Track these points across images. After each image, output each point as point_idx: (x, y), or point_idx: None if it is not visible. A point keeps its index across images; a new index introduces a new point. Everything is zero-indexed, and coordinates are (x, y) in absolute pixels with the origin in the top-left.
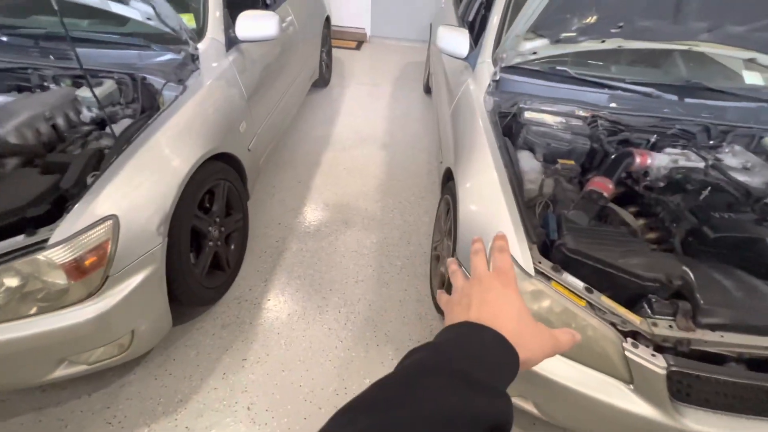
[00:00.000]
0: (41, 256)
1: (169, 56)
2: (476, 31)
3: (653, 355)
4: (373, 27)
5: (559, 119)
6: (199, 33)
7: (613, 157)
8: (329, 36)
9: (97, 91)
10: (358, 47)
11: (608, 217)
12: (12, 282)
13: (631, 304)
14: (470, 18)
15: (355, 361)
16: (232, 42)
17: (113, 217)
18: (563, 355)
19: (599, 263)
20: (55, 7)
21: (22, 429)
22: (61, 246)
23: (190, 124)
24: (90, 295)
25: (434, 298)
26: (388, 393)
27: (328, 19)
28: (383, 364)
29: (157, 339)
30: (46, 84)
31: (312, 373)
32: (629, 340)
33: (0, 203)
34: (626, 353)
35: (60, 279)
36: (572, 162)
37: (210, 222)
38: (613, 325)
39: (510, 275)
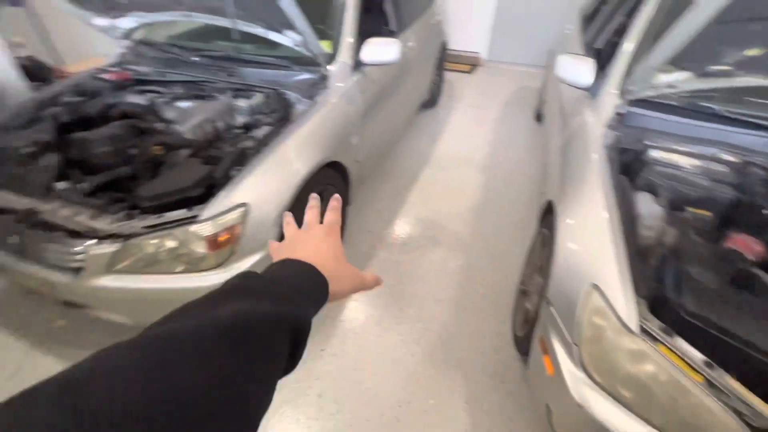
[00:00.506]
0: (192, 228)
1: (306, 76)
2: (602, 60)
3: None
4: (490, 51)
5: (695, 162)
6: (333, 57)
7: (766, 213)
8: (444, 60)
9: (248, 102)
10: (471, 71)
11: (750, 284)
12: (171, 244)
13: (765, 397)
14: (598, 45)
15: (423, 379)
16: (357, 65)
17: (246, 205)
18: None
19: (728, 336)
20: (235, 37)
21: None
22: (206, 222)
23: (313, 135)
24: (219, 265)
25: (515, 334)
26: (188, 307)
27: (444, 44)
28: (450, 388)
29: None
30: (215, 95)
31: (380, 378)
32: None
33: (173, 183)
34: None
35: (201, 248)
36: (707, 213)
37: None
38: (739, 414)
39: (335, 228)
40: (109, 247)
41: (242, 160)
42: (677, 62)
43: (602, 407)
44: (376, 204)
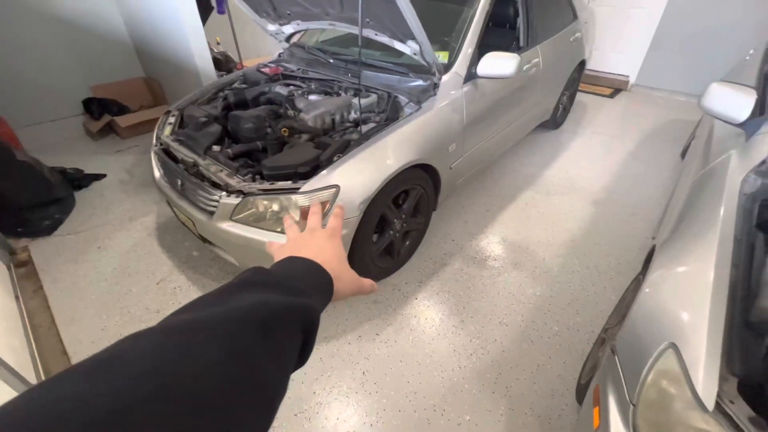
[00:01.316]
0: (293, 197)
1: (418, 83)
2: None
3: None
4: (640, 74)
5: None
6: (448, 67)
7: None
8: (578, 80)
9: (364, 101)
10: (612, 95)
11: None
12: (276, 207)
13: None
14: None
15: (464, 393)
16: (471, 76)
17: (337, 187)
18: None
19: None
20: (359, 44)
21: None
22: (303, 195)
23: (410, 136)
24: None
25: (578, 383)
26: (203, 298)
27: (582, 63)
28: (490, 412)
29: None
30: (339, 92)
31: (423, 378)
32: None
33: (288, 159)
34: None
35: (296, 215)
36: None
37: (397, 215)
38: None
39: (337, 232)
40: (234, 200)
41: (345, 149)
42: None
43: None
44: (464, 215)
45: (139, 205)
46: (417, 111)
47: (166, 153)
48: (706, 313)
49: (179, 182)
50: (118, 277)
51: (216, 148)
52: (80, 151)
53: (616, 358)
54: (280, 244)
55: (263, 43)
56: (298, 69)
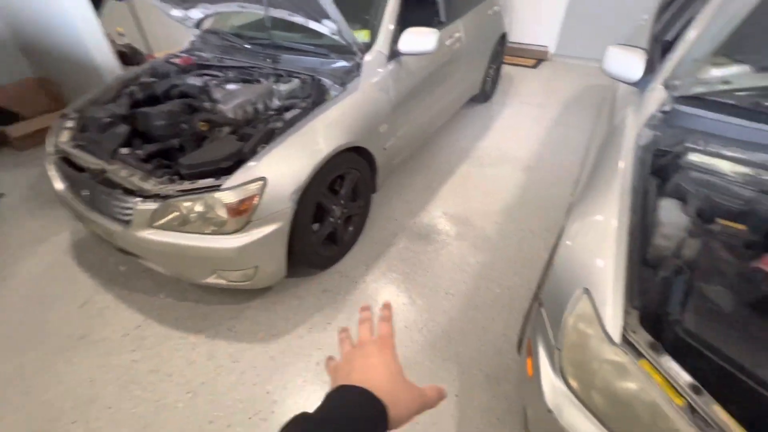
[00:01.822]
0: (216, 195)
1: (341, 63)
2: (665, 53)
3: None
4: (559, 44)
5: (743, 170)
6: (369, 46)
7: None
8: (502, 53)
9: (286, 86)
10: (535, 65)
11: None
12: (200, 208)
13: None
14: (668, 37)
15: (418, 366)
16: (394, 54)
17: (264, 179)
18: None
19: (727, 362)
20: (267, 24)
21: (185, 311)
22: (228, 191)
23: (338, 119)
24: (236, 231)
25: (519, 339)
26: None
27: (503, 36)
28: (443, 379)
29: (272, 280)
30: (260, 79)
31: None
32: None
33: (208, 155)
34: None
35: (223, 213)
36: (742, 226)
37: (335, 202)
38: None
39: (388, 342)
40: (151, 205)
41: (269, 138)
42: (732, 54)
43: (571, 415)
44: (405, 194)
45: (49, 223)
46: (342, 93)
47: (67, 162)
48: (612, 257)
49: (86, 193)
50: (32, 307)
51: (125, 150)
52: None
53: (543, 310)
54: (336, 364)
55: (176, 33)
56: (212, 57)
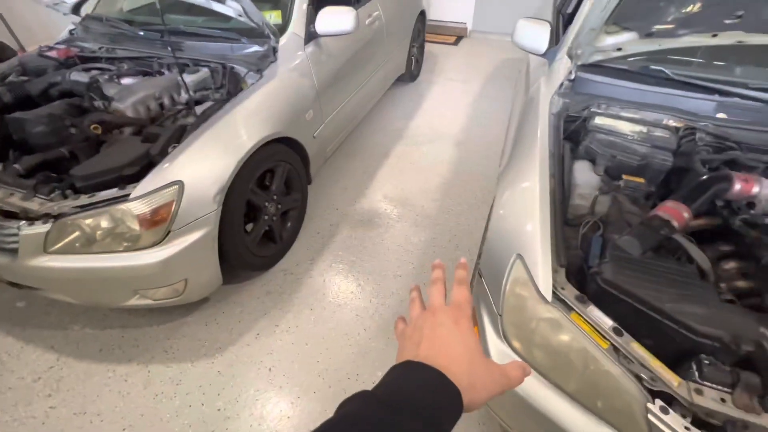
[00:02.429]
0: (124, 206)
1: (254, 48)
2: (566, 25)
3: (687, 428)
4: (475, 21)
5: (638, 128)
6: (283, 28)
7: (701, 180)
8: (423, 31)
9: (194, 77)
10: (456, 42)
11: (674, 251)
12: (106, 223)
13: (677, 363)
14: (569, 10)
15: (373, 352)
16: (311, 36)
17: (179, 183)
18: (577, 400)
19: (640, 303)
20: (158, 6)
21: (110, 339)
22: (137, 200)
23: (258, 109)
24: (155, 244)
25: None
26: None
27: (423, 13)
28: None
29: (207, 291)
30: (162, 70)
31: (331, 353)
32: (657, 402)
33: (108, 162)
34: (649, 417)
35: (135, 226)
36: (641, 180)
37: (267, 198)
38: (639, 379)
39: (464, 310)
40: (40, 228)
41: (181, 136)
42: (621, 22)
43: None
44: (343, 181)
45: None
46: (259, 80)
47: None
48: (538, 221)
49: None
50: None
51: None
52: None
53: (483, 279)
54: (403, 328)
55: (58, 23)
56: (99, 48)
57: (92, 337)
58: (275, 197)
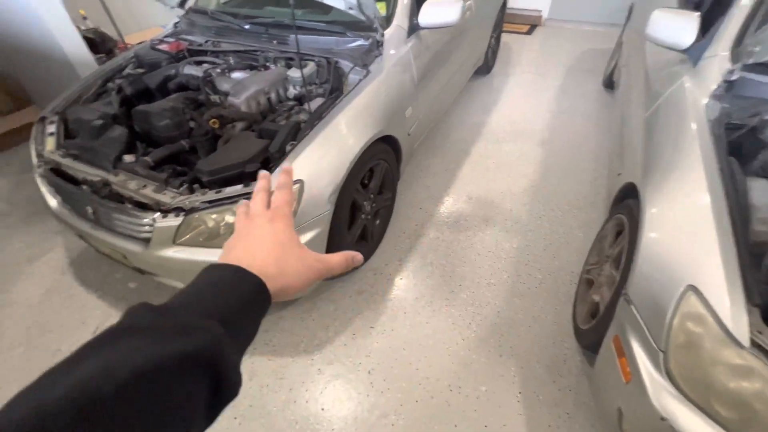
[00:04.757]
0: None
1: (359, 42)
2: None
3: None
4: (553, 8)
5: None
6: (388, 20)
7: None
8: (502, 20)
9: (304, 72)
10: (529, 31)
11: None
12: (230, 219)
13: None
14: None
15: (474, 365)
16: (413, 28)
17: (300, 182)
18: None
19: None
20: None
21: None
22: None
23: (367, 107)
24: None
25: (576, 327)
26: (80, 351)
27: (505, 2)
28: (503, 376)
29: (311, 289)
30: (268, 64)
31: (430, 360)
32: None
33: (230, 157)
34: None
35: None
36: None
37: (366, 197)
38: None
39: (281, 210)
40: (173, 221)
41: (296, 134)
42: None
43: (690, 422)
44: (425, 179)
45: (35, 240)
46: (367, 76)
47: (58, 173)
48: (715, 247)
49: (89, 210)
50: (37, 339)
51: (128, 157)
52: None
53: (633, 307)
54: (227, 243)
55: (146, 12)
56: (206, 42)
57: None
58: (371, 196)
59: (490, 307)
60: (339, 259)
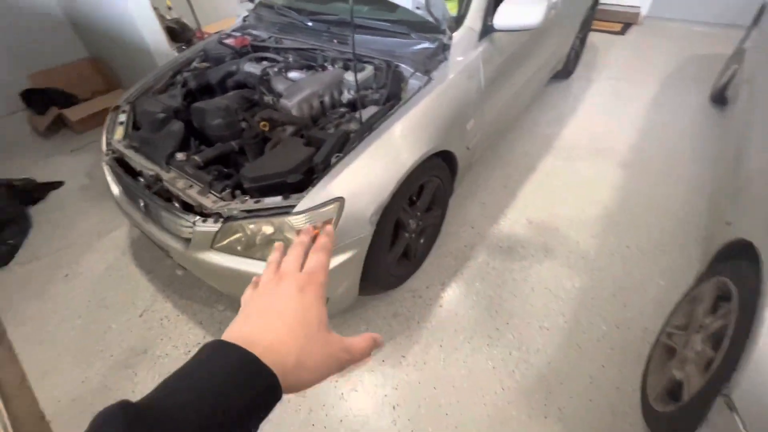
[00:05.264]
0: (287, 218)
1: (423, 45)
2: None
3: None
4: (654, 3)
5: None
6: (458, 21)
7: None
8: (592, 18)
9: (360, 75)
10: (622, 31)
11: None
12: (268, 230)
13: None
14: None
15: (513, 422)
16: (486, 30)
17: (341, 199)
18: None
19: None
20: None
21: None
22: (301, 215)
23: (424, 120)
24: None
25: (645, 403)
26: None
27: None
28: None
29: (341, 308)
30: (326, 65)
31: (462, 407)
32: None
33: (273, 165)
34: None
35: (293, 238)
36: None
37: (412, 215)
38: None
39: (315, 278)
40: (212, 227)
41: (344, 145)
42: None
43: None
44: (480, 195)
45: (106, 216)
46: (428, 84)
47: (121, 163)
48: None
49: (141, 203)
50: (94, 312)
51: (180, 155)
52: (28, 156)
53: (737, 417)
54: (248, 296)
55: (225, 2)
56: (269, 38)
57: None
58: (418, 214)
59: (539, 356)
60: (364, 346)
